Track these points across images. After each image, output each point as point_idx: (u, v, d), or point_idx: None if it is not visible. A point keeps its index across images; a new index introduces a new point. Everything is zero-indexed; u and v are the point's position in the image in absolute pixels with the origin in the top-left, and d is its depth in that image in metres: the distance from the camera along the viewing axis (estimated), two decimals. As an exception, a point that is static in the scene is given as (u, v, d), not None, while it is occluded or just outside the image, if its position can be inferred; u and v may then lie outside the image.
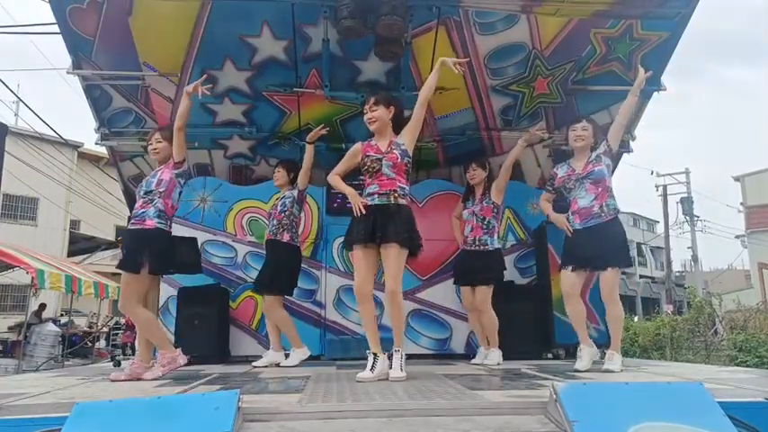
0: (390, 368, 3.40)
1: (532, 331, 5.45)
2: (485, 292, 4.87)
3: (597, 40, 4.79)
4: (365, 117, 3.68)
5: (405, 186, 3.62)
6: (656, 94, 5.27)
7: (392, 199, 3.54)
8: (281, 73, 5.03)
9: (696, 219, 28.24)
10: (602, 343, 5.80)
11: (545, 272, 5.63)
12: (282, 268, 4.87)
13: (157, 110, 5.34)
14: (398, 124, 3.71)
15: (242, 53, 4.84)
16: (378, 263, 3.62)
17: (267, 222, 5.09)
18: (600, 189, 4.00)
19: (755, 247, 24.62)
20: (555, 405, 2.11)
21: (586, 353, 3.95)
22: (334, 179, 3.79)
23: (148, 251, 3.75)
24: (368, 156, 3.62)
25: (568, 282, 4.02)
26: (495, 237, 4.94)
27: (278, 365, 4.65)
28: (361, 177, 3.71)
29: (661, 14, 4.52)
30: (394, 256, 3.49)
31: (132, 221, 3.87)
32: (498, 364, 4.64)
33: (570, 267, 4.01)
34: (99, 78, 5.05)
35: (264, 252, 5.03)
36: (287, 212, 4.87)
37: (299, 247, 5.03)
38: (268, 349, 4.87)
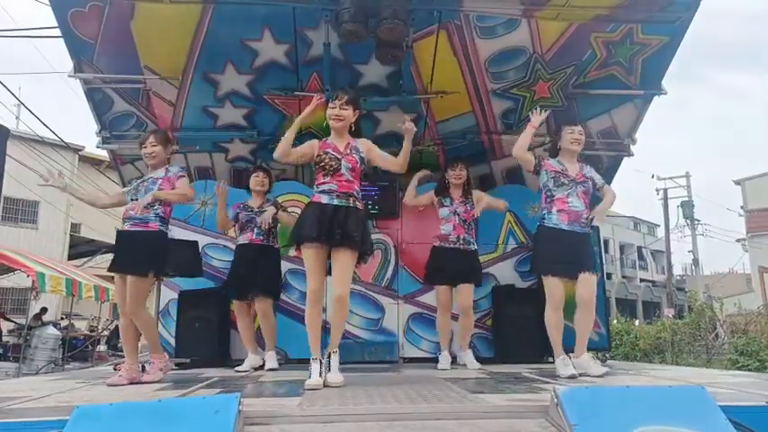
0: (329, 371, 3.35)
1: (533, 335, 5.42)
2: (471, 292, 4.86)
3: (598, 44, 4.80)
4: (332, 111, 3.57)
5: (360, 191, 3.62)
6: (656, 98, 5.28)
7: (351, 202, 3.52)
8: (283, 76, 5.04)
9: (697, 222, 28.20)
10: (605, 347, 5.80)
11: (546, 275, 5.63)
12: (278, 271, 4.99)
13: (158, 113, 5.35)
14: (355, 128, 3.69)
15: (243, 57, 4.85)
16: (327, 264, 3.56)
17: (248, 228, 4.90)
18: (587, 200, 4.05)
19: (756, 251, 24.58)
20: (556, 409, 2.11)
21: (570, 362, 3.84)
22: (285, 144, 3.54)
23: (153, 253, 3.78)
24: (326, 152, 3.55)
25: (561, 290, 3.94)
26: (475, 239, 4.97)
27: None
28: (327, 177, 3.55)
29: (662, 18, 4.53)
30: (348, 258, 3.47)
31: (131, 223, 3.83)
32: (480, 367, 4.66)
33: (558, 275, 3.91)
34: (100, 82, 5.06)
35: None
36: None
37: None
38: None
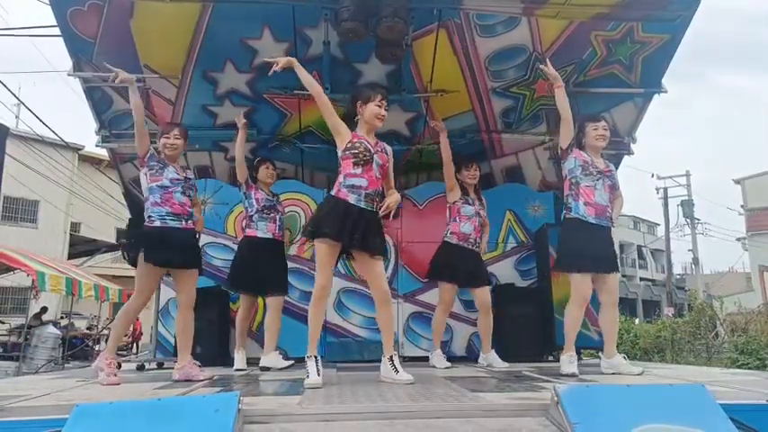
0: (397, 372, 3.35)
1: (533, 333, 5.44)
2: (489, 291, 4.86)
3: (598, 42, 4.79)
4: (380, 111, 3.55)
5: (381, 190, 3.60)
6: (656, 96, 5.27)
7: (375, 205, 3.51)
8: (282, 75, 5.01)
9: (697, 221, 28.25)
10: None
11: (546, 274, 5.62)
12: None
13: (158, 112, 5.34)
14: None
15: (243, 55, 4.84)
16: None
17: (269, 218, 4.86)
18: (613, 196, 3.98)
19: (756, 250, 24.60)
20: (556, 407, 2.11)
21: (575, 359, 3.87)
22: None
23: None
24: (360, 142, 3.51)
25: (590, 287, 3.87)
26: None
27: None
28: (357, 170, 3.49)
29: (662, 17, 4.52)
30: (380, 264, 3.57)
31: (191, 222, 3.99)
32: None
33: (589, 273, 3.83)
34: (100, 80, 5.05)
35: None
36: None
37: None
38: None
